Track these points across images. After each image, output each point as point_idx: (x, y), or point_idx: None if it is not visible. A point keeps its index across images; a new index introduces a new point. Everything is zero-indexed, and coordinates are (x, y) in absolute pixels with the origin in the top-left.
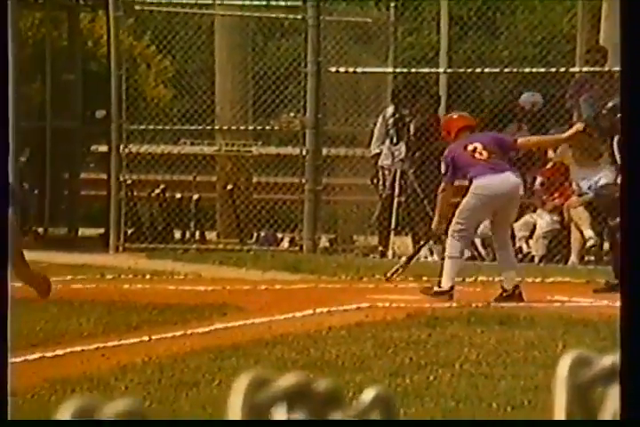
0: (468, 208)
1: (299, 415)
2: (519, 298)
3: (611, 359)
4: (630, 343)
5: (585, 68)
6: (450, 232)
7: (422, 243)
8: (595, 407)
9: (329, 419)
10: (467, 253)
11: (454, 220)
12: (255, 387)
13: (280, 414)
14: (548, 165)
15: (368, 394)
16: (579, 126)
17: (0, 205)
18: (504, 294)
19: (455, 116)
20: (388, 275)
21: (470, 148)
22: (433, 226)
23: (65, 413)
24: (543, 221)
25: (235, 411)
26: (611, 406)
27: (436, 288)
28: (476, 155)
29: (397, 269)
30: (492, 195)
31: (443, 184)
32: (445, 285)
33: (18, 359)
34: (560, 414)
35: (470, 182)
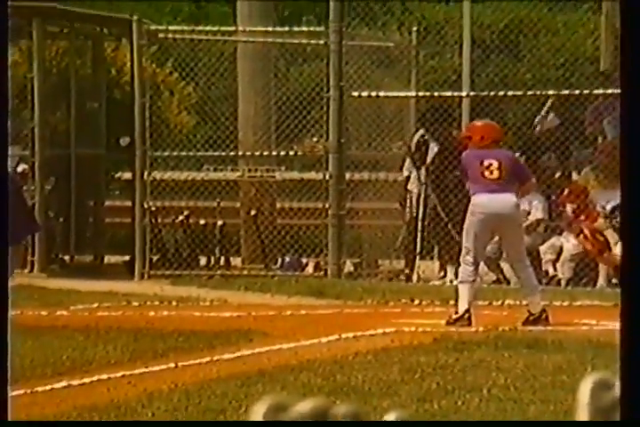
0: (469, 228)
1: None
2: (546, 321)
3: None
4: (630, 344)
5: (609, 91)
6: (460, 258)
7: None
8: None
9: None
10: (493, 277)
11: (463, 245)
12: (274, 412)
13: None
14: (566, 191)
15: (389, 417)
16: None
17: (0, 205)
18: (531, 318)
19: (481, 124)
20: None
21: (486, 163)
22: None
23: None
24: (569, 244)
25: None
26: None
27: (453, 316)
28: (487, 173)
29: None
30: (487, 213)
31: (466, 183)
32: (460, 309)
33: (46, 388)
34: None
35: (469, 200)
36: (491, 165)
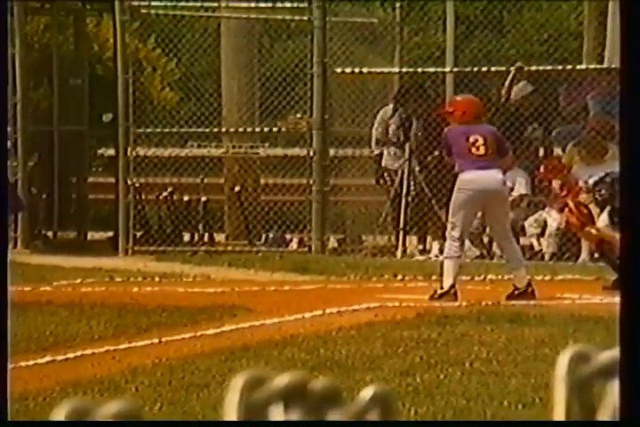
0: (457, 204)
1: (295, 414)
2: (531, 295)
3: (610, 354)
4: (629, 343)
5: (592, 66)
6: (447, 234)
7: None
8: (594, 403)
9: (326, 418)
10: (476, 252)
11: (449, 221)
12: (251, 386)
13: (276, 413)
14: (543, 167)
15: (367, 392)
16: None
17: (0, 205)
18: (516, 292)
19: (463, 99)
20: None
21: (471, 139)
22: None
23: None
24: (553, 218)
25: (231, 410)
26: (609, 402)
27: (438, 291)
28: (473, 149)
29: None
30: (476, 189)
31: (447, 159)
32: (446, 285)
33: (29, 363)
34: (560, 410)
35: (456, 177)
36: (477, 141)
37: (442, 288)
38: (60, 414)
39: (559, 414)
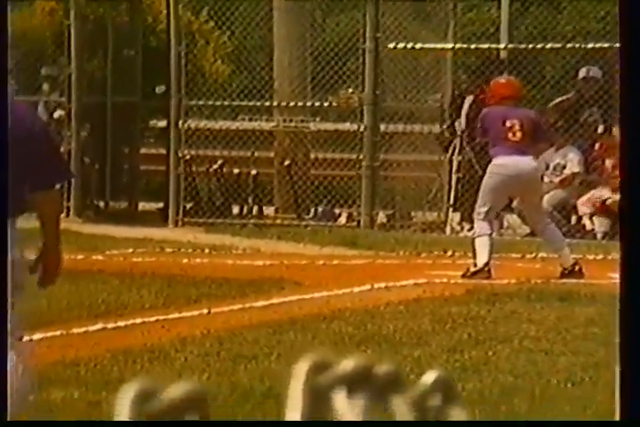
0: (488, 189)
1: (359, 399)
2: (580, 274)
3: None
4: (630, 342)
5: None
6: (475, 214)
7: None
8: None
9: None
10: (526, 229)
11: (478, 202)
12: (316, 371)
13: (340, 398)
14: (597, 145)
15: (429, 377)
16: None
17: (0, 204)
18: (565, 272)
19: (503, 82)
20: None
21: (508, 124)
22: None
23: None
24: (606, 198)
25: (295, 395)
26: None
27: (471, 268)
28: (509, 135)
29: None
30: (508, 175)
31: (478, 139)
32: (480, 263)
33: (80, 330)
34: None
35: (489, 161)
36: (513, 126)
37: (475, 266)
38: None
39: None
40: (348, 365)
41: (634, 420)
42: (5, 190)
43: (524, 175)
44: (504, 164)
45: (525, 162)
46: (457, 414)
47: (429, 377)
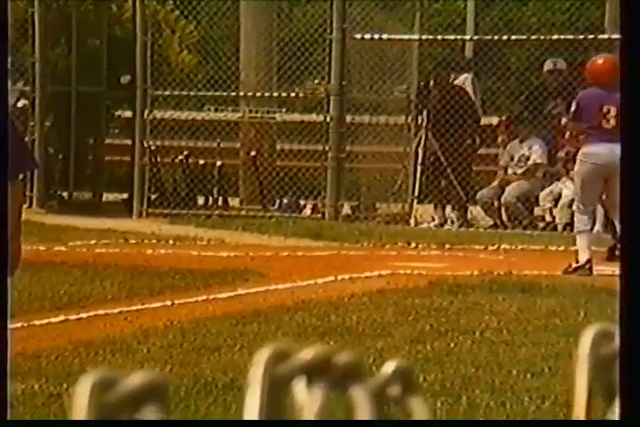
0: (580, 177)
1: (318, 388)
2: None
3: None
4: (630, 341)
5: (614, 36)
6: (574, 207)
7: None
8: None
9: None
10: (490, 222)
11: (576, 196)
12: (276, 360)
13: (300, 387)
14: (567, 135)
15: (389, 366)
16: None
17: (0, 203)
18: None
19: (602, 60)
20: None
21: (605, 110)
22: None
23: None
24: (568, 189)
25: (255, 384)
26: None
27: (573, 264)
28: (604, 122)
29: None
30: (599, 163)
31: (568, 122)
32: (582, 259)
33: (43, 322)
34: (582, 389)
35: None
36: (609, 111)
37: (577, 262)
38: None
39: (581, 393)
40: (307, 354)
41: (634, 420)
42: (5, 189)
43: (614, 162)
44: (593, 152)
45: (615, 149)
46: (416, 403)
47: (389, 367)
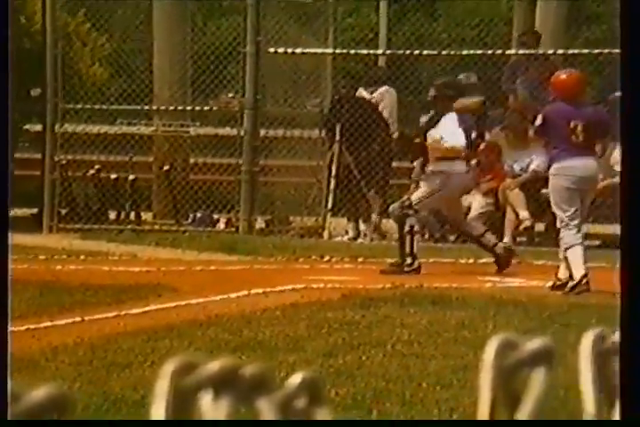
0: (560, 192)
1: (225, 401)
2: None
3: (537, 343)
4: (630, 340)
5: (521, 51)
6: (558, 224)
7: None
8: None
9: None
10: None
11: (559, 212)
12: (181, 372)
13: (206, 399)
14: (481, 146)
15: (295, 378)
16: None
17: (0, 203)
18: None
19: (566, 76)
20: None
21: (572, 125)
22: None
23: None
24: (477, 202)
25: (161, 396)
26: (534, 389)
27: (570, 283)
28: (573, 137)
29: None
30: (578, 175)
31: (531, 132)
32: (577, 275)
33: None
34: (485, 397)
35: (550, 164)
36: (576, 127)
37: (572, 279)
38: None
39: (484, 402)
40: (214, 366)
41: (634, 420)
42: (6, 189)
43: (589, 176)
44: (568, 166)
45: (589, 163)
46: (322, 415)
47: (295, 379)
